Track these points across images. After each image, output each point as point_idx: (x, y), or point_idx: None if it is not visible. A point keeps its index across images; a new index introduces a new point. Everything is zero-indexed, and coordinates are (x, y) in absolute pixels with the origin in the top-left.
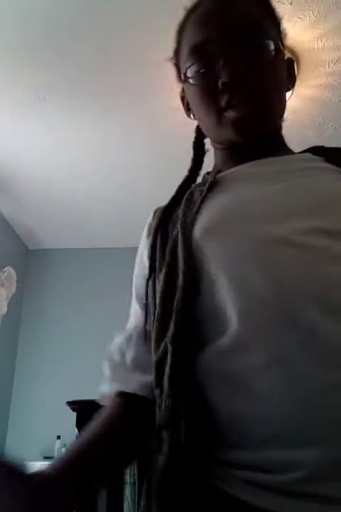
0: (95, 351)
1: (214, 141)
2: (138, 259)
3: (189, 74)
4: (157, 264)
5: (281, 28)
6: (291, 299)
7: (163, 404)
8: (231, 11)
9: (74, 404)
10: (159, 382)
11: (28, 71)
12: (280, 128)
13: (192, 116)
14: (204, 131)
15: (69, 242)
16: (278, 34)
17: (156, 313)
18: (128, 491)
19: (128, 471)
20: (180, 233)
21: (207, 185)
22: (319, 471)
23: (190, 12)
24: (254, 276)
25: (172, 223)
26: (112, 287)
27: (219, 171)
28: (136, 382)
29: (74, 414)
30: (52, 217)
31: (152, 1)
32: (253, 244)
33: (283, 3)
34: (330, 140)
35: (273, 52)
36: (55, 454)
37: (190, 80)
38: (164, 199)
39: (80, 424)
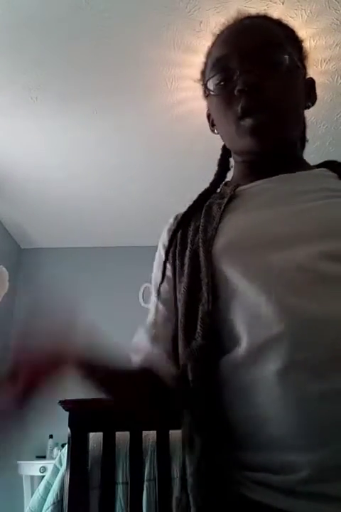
0: None
1: (235, 153)
2: (158, 258)
3: (210, 86)
4: (177, 269)
5: (302, 49)
6: (297, 323)
7: (196, 407)
8: (250, 30)
9: (66, 404)
10: (186, 383)
11: (21, 71)
12: (297, 143)
13: (216, 131)
14: (226, 144)
15: (61, 241)
16: (296, 53)
17: (180, 321)
18: (120, 491)
19: (120, 471)
20: (201, 247)
21: (225, 200)
22: (321, 472)
23: (217, 36)
24: (263, 298)
25: (191, 231)
26: (105, 286)
27: (237, 185)
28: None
29: (67, 413)
30: (44, 217)
31: (144, 0)
32: (264, 268)
33: (275, 3)
34: (323, 139)
35: (289, 67)
36: (48, 453)
37: (211, 92)
38: (157, 199)
39: (73, 423)
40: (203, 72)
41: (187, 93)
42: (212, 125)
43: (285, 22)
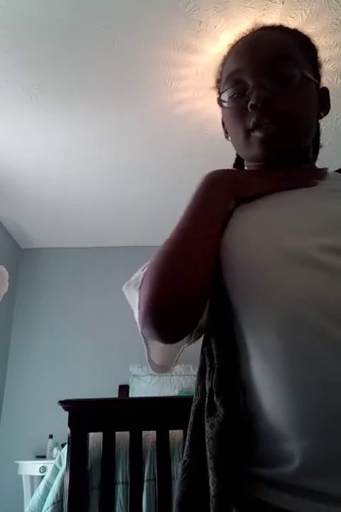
0: (87, 350)
1: (245, 160)
2: None
3: (224, 98)
4: None
5: (317, 59)
6: (301, 310)
7: (216, 375)
8: (264, 43)
9: (66, 404)
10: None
11: (21, 71)
12: (308, 153)
13: (229, 138)
14: (237, 151)
15: (61, 241)
16: (310, 64)
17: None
18: (120, 491)
19: (120, 471)
20: None
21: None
22: (309, 465)
23: (232, 47)
24: (271, 289)
25: None
26: (104, 286)
27: None
28: None
29: (67, 413)
30: (44, 217)
31: (144, 0)
32: (272, 258)
33: (275, 3)
34: (323, 139)
35: (300, 82)
36: (48, 453)
37: (224, 104)
38: (157, 199)
39: (73, 423)
40: (218, 81)
41: (187, 93)
42: (226, 132)
43: (300, 31)
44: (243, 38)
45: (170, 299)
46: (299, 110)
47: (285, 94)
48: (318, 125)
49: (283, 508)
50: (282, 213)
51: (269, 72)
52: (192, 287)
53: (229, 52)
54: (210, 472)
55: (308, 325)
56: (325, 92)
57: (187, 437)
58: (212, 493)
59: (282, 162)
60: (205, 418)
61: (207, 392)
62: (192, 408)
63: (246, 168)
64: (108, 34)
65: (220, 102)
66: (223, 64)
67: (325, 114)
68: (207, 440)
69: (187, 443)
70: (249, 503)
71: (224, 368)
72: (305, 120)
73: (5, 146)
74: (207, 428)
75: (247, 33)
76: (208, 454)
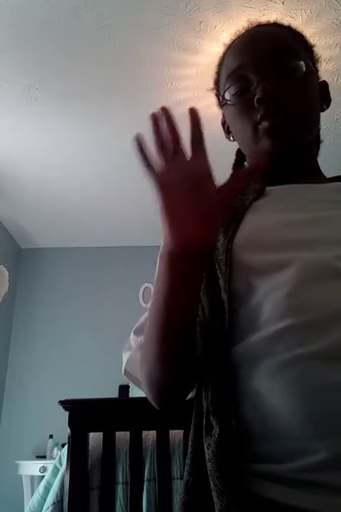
0: (87, 350)
1: (250, 158)
2: None
3: (227, 96)
4: None
5: (314, 54)
6: (309, 315)
7: (211, 394)
8: (263, 38)
9: (66, 404)
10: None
11: (21, 71)
12: (313, 147)
13: (231, 138)
14: (242, 149)
15: (61, 241)
16: (309, 58)
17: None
18: (120, 491)
19: (120, 471)
20: (221, 240)
21: (250, 196)
22: (326, 461)
23: (228, 47)
24: (276, 293)
25: None
26: (104, 286)
27: (263, 185)
28: None
29: (67, 413)
30: (44, 217)
31: (144, 0)
32: (278, 265)
33: (275, 3)
34: (323, 138)
35: (304, 73)
36: (48, 453)
37: (228, 102)
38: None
39: (73, 423)
40: (217, 82)
41: (187, 93)
42: (228, 132)
43: (295, 28)
44: (240, 36)
45: (162, 403)
46: (305, 101)
47: (291, 86)
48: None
49: (289, 504)
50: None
51: (272, 65)
52: (175, 388)
53: (226, 52)
54: (213, 492)
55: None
56: (325, 84)
57: (188, 454)
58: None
59: (289, 154)
60: (203, 438)
61: (205, 411)
62: (192, 423)
63: (246, 164)
64: (108, 34)
65: (223, 101)
66: (220, 64)
67: (327, 107)
68: (206, 461)
69: (188, 461)
70: (253, 502)
71: (220, 385)
72: (311, 111)
73: (5, 146)
74: (205, 449)
75: (243, 31)
76: (209, 473)
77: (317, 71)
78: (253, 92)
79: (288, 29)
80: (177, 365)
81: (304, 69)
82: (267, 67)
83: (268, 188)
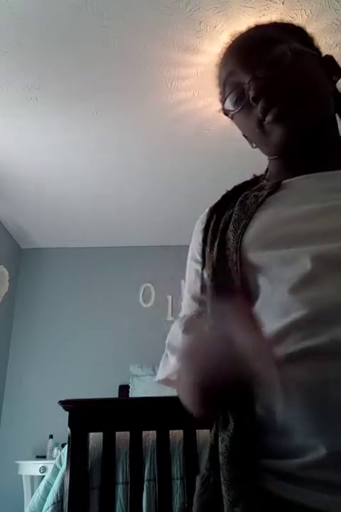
0: (87, 350)
1: (268, 155)
2: (190, 253)
3: (228, 107)
4: (206, 260)
5: (305, 35)
6: (316, 310)
7: None
8: (245, 40)
9: (66, 404)
10: None
11: (21, 71)
12: (329, 120)
13: (254, 145)
14: (262, 151)
15: (61, 241)
16: (298, 39)
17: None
18: (120, 491)
19: (120, 471)
20: (231, 237)
21: (265, 192)
22: (331, 458)
23: (220, 60)
24: (282, 288)
25: (224, 220)
26: (104, 286)
27: (279, 180)
28: None
29: (67, 413)
30: (44, 217)
31: (144, 0)
32: (285, 261)
33: (275, 3)
34: None
35: (292, 55)
36: (48, 453)
37: (231, 111)
38: (157, 199)
39: (73, 423)
40: (220, 92)
41: (187, 93)
42: (249, 141)
43: (276, 20)
44: (226, 47)
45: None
46: (301, 82)
47: (282, 73)
48: (337, 90)
49: (294, 501)
50: None
51: (258, 61)
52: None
53: (219, 66)
54: (223, 486)
55: None
56: (329, 58)
57: (207, 450)
58: (226, 505)
59: (303, 138)
60: (219, 433)
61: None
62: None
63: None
64: (108, 34)
65: (226, 112)
66: (218, 76)
67: (339, 78)
68: (219, 454)
69: (206, 456)
70: (260, 497)
71: None
72: (312, 88)
73: (5, 146)
74: (219, 442)
75: (228, 42)
76: (220, 467)
77: (316, 48)
78: (248, 93)
79: (270, 24)
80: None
81: (289, 52)
82: (253, 65)
83: (284, 182)
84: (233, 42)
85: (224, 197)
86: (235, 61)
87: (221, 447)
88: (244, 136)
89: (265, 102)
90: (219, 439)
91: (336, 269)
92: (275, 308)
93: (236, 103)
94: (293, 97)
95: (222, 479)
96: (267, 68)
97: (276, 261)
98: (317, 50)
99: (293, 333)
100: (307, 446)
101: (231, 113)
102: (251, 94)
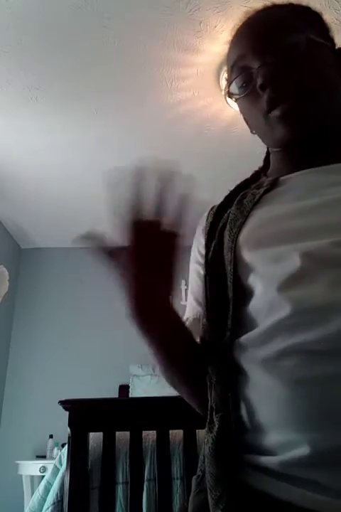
0: (87, 350)
1: (271, 147)
2: (191, 255)
3: (234, 91)
4: (205, 259)
5: (321, 23)
6: (301, 309)
7: (214, 392)
8: (259, 22)
9: (66, 404)
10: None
11: (21, 71)
12: (339, 122)
13: (253, 131)
14: (262, 140)
15: (61, 241)
16: (314, 28)
17: (205, 312)
18: (120, 491)
19: (120, 471)
20: (227, 237)
21: (262, 190)
22: (314, 456)
23: (230, 42)
24: (271, 288)
25: (223, 221)
26: (104, 286)
27: (276, 177)
28: None
29: (67, 413)
30: (44, 217)
31: (144, 0)
32: (274, 259)
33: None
34: None
35: (307, 46)
36: (48, 453)
37: (235, 95)
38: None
39: (73, 423)
40: (228, 80)
41: (187, 93)
42: (250, 126)
43: (295, 2)
44: (238, 28)
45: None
46: (313, 77)
47: (293, 64)
48: None
49: (278, 498)
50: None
51: (271, 47)
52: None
53: (229, 48)
54: (207, 487)
55: None
56: None
57: (201, 451)
58: (211, 506)
59: (309, 136)
60: (205, 434)
61: (209, 409)
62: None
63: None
64: (108, 34)
65: (230, 95)
66: (227, 62)
67: None
68: (205, 457)
69: (201, 457)
70: (243, 492)
71: (222, 382)
72: (324, 84)
73: (5, 146)
74: (204, 445)
75: (241, 22)
76: (206, 469)
77: (331, 39)
78: (256, 79)
79: (287, 6)
80: (195, 386)
81: (305, 42)
82: (265, 51)
83: (282, 178)
84: (247, 20)
85: (226, 197)
86: (246, 44)
87: (205, 449)
88: (244, 120)
89: (272, 91)
90: (204, 441)
91: (325, 267)
92: (265, 307)
93: (242, 87)
94: (303, 94)
95: (206, 481)
96: (278, 56)
97: (267, 259)
98: (331, 40)
99: (280, 331)
100: (290, 443)
101: (236, 97)
102: (259, 81)
